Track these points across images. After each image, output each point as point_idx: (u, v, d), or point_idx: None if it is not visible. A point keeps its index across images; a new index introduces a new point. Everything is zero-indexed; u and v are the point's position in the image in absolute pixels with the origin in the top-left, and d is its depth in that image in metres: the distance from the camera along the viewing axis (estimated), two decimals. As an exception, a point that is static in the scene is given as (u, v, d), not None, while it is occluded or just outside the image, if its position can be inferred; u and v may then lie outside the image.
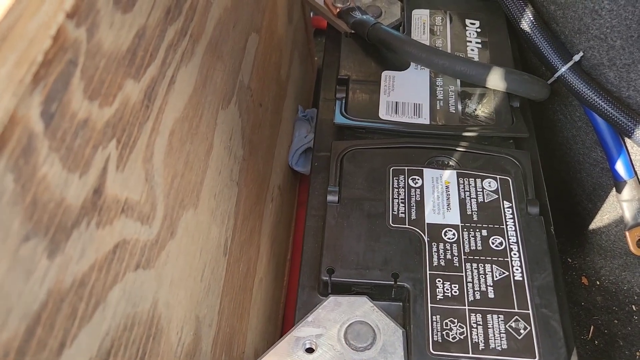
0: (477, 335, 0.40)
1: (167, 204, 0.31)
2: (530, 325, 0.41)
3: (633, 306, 0.65)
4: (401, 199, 0.48)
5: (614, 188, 0.62)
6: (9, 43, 0.18)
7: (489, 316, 0.41)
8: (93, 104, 0.23)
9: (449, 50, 0.59)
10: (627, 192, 0.61)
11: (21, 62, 0.18)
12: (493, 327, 0.41)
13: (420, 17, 0.62)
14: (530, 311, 0.41)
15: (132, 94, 0.27)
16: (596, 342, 0.64)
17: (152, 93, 0.29)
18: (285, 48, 0.65)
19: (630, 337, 0.64)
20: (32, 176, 0.19)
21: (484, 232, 0.45)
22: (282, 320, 0.60)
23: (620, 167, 0.60)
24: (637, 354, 0.62)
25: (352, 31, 0.61)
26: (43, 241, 0.20)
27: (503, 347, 0.40)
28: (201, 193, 0.37)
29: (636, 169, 0.61)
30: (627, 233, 0.62)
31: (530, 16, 0.59)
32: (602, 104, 0.57)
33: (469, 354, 0.39)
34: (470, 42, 0.60)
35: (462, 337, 0.40)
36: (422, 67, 0.58)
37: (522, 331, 0.41)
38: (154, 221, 0.29)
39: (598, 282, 0.68)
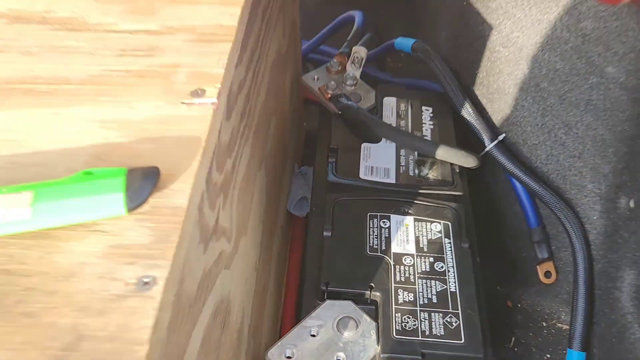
0: (425, 326, 0.61)
1: (236, 230, 0.51)
2: (459, 320, 0.61)
3: (543, 322, 0.87)
4: (375, 235, 0.69)
5: (529, 233, 0.85)
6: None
7: (432, 314, 0.62)
8: (218, 173, 0.43)
9: (409, 130, 0.82)
10: (536, 236, 0.83)
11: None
12: (435, 321, 0.61)
13: (389, 103, 0.85)
14: (459, 311, 0.62)
15: (228, 166, 0.47)
16: (516, 349, 0.85)
17: (235, 166, 0.49)
18: (288, 120, 0.86)
19: (541, 345, 0.85)
20: (205, 212, 0.39)
21: (431, 259, 0.67)
22: (280, 321, 0.79)
23: (531, 218, 0.83)
24: (545, 357, 0.84)
25: (340, 112, 0.83)
26: (201, 243, 0.40)
27: (441, 334, 0.60)
28: (248, 224, 0.57)
29: (543, 220, 0.84)
30: (537, 267, 0.85)
31: (468, 106, 0.83)
32: (518, 172, 0.80)
33: (418, 337, 0.60)
34: (425, 124, 0.83)
35: (414, 327, 0.61)
36: (389, 141, 0.80)
37: (454, 324, 0.61)
38: (231, 239, 0.49)
39: (519, 305, 0.89)
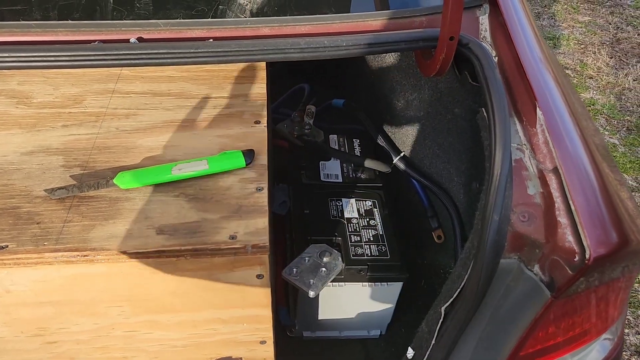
0: (367, 251, 1.10)
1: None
2: (386, 247, 1.11)
3: (440, 270, 1.38)
4: (334, 209, 1.18)
5: (424, 211, 1.37)
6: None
7: (370, 245, 1.11)
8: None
9: (347, 151, 1.34)
10: (429, 212, 1.35)
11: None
12: (372, 249, 1.10)
13: (333, 138, 1.37)
14: (385, 243, 1.12)
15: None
16: (425, 287, 1.34)
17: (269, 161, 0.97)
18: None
19: (439, 284, 1.35)
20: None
21: (367, 219, 1.16)
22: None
23: (425, 201, 1.36)
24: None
25: (302, 144, 1.33)
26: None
27: (376, 254, 1.09)
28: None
29: (432, 202, 1.36)
30: (432, 233, 1.36)
31: (381, 137, 1.36)
32: (414, 174, 1.33)
33: (364, 257, 1.08)
34: (355, 148, 1.35)
35: (362, 253, 1.09)
36: (335, 159, 1.31)
37: (383, 249, 1.11)
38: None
39: (425, 261, 1.40)
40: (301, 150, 1.33)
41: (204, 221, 0.73)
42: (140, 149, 0.84)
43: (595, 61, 3.17)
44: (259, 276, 0.75)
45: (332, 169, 1.28)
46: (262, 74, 1.00)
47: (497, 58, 0.88)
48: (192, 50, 0.77)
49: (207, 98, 0.94)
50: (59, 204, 0.74)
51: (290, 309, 1.20)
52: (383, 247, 1.12)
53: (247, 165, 0.81)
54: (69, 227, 0.71)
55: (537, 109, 0.77)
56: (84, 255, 0.69)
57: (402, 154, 1.35)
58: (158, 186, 0.78)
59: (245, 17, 0.99)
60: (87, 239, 0.70)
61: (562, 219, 0.67)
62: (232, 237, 0.71)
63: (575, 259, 0.66)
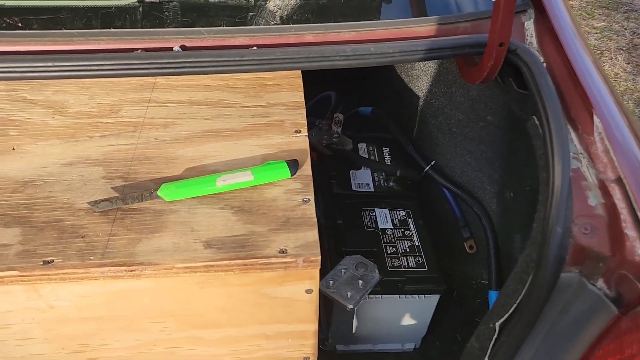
0: (404, 263, 1.07)
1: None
2: (423, 259, 1.08)
3: (472, 281, 1.35)
4: (368, 220, 1.15)
5: (456, 221, 1.34)
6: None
7: (407, 257, 1.08)
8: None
9: (377, 160, 1.31)
10: (460, 222, 1.33)
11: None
12: (409, 260, 1.08)
13: (362, 146, 1.35)
14: (422, 254, 1.09)
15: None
16: (457, 298, 1.32)
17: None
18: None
19: (472, 294, 1.32)
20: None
21: (402, 229, 1.14)
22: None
23: (456, 211, 1.33)
24: (476, 301, 1.31)
25: (332, 154, 1.31)
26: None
27: (413, 266, 1.06)
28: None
29: (463, 212, 1.34)
30: (464, 243, 1.34)
31: (410, 146, 1.34)
32: (445, 183, 1.30)
33: (401, 269, 1.05)
34: (385, 157, 1.33)
35: (398, 265, 1.07)
36: (366, 168, 1.29)
37: (420, 261, 1.08)
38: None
39: (456, 272, 1.37)
40: (330, 159, 1.31)
41: (252, 234, 0.71)
42: (181, 159, 0.81)
43: (612, 67, 3.14)
44: (308, 291, 0.73)
45: (363, 178, 1.26)
46: (298, 82, 0.98)
47: (545, 64, 0.85)
48: (237, 59, 0.75)
49: (245, 107, 0.92)
50: (103, 217, 0.72)
51: (323, 321, 1.17)
52: (420, 259, 1.09)
53: (292, 175, 0.78)
54: (115, 241, 0.69)
55: (595, 117, 0.75)
56: (131, 270, 0.67)
57: (432, 163, 1.33)
58: (202, 198, 0.76)
59: (276, 23, 0.97)
60: (134, 253, 0.68)
61: (630, 231, 0.65)
62: (282, 251, 0.69)
63: (645, 273, 0.63)
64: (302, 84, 0.98)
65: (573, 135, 0.76)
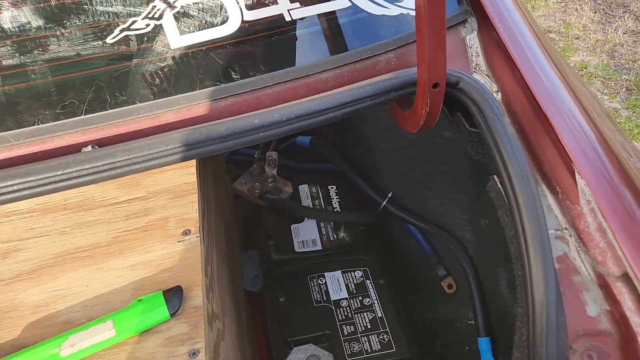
0: (366, 346, 0.85)
1: (221, 312, 0.74)
2: (389, 336, 0.87)
3: (457, 323, 1.14)
4: (317, 291, 0.93)
5: (427, 258, 1.13)
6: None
7: (369, 336, 0.87)
8: (207, 278, 0.67)
9: (323, 206, 1.09)
10: (433, 259, 1.11)
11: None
12: (372, 341, 0.86)
13: (304, 189, 1.12)
14: (387, 329, 0.88)
15: (209, 271, 0.70)
16: (442, 348, 1.11)
17: (212, 269, 0.72)
18: (231, 219, 1.10)
19: (459, 340, 1.11)
20: (208, 305, 0.62)
21: (360, 298, 0.92)
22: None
23: (425, 247, 1.11)
24: (465, 349, 1.10)
25: (268, 205, 1.08)
26: (208, 325, 0.62)
27: (378, 348, 0.85)
28: (226, 306, 0.80)
29: (434, 247, 1.12)
30: (441, 283, 1.12)
31: (359, 178, 1.11)
32: (407, 217, 1.08)
33: (363, 355, 0.84)
34: (333, 199, 1.10)
35: (359, 349, 0.85)
36: (310, 219, 1.06)
37: (385, 339, 0.87)
38: (221, 319, 0.72)
39: (437, 315, 1.16)
40: (265, 212, 1.09)
41: None
42: (21, 309, 0.58)
43: (579, 19, 2.92)
44: None
45: (307, 234, 1.04)
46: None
47: (500, 94, 0.63)
48: (58, 173, 0.51)
49: (117, 203, 0.69)
50: None
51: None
52: (385, 336, 0.87)
53: (172, 315, 0.56)
54: None
55: (577, 176, 0.53)
56: None
57: (389, 195, 1.11)
58: (45, 375, 0.53)
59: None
60: None
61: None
62: None
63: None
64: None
65: (551, 201, 0.54)
